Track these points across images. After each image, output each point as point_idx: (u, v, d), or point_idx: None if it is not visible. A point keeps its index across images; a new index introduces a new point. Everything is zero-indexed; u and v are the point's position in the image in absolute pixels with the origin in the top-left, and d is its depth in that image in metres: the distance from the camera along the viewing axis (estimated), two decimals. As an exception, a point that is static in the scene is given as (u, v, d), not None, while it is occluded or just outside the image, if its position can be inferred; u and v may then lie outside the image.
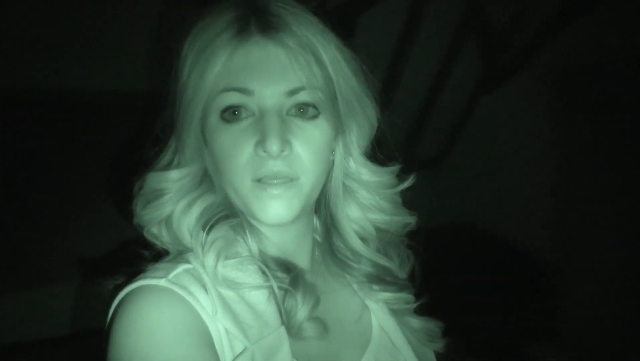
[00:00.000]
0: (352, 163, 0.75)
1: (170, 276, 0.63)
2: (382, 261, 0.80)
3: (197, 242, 0.66)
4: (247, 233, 0.70)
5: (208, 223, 0.68)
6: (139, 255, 0.72)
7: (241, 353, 0.61)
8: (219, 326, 0.62)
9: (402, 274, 0.83)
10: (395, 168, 0.78)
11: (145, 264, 0.67)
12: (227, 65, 0.65)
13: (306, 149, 0.67)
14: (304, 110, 0.67)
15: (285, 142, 0.64)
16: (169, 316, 0.59)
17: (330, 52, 0.68)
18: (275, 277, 0.67)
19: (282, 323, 0.65)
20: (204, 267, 0.65)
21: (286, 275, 0.69)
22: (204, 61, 0.65)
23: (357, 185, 0.77)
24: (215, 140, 0.67)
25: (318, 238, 0.83)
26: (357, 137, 0.74)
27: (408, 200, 0.80)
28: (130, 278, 0.64)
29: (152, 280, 0.62)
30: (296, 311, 0.66)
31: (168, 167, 0.71)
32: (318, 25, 0.68)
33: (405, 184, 0.78)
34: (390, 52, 2.43)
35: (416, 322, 0.82)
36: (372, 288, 0.81)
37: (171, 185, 0.70)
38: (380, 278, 0.81)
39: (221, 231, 0.68)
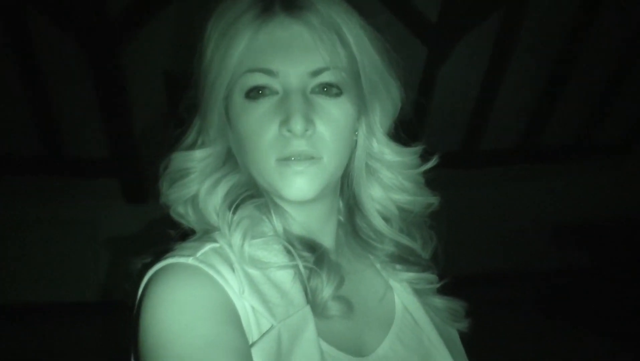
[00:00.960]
0: (375, 143, 0.74)
1: (198, 254, 0.63)
2: (405, 241, 0.79)
3: (224, 222, 0.66)
4: (272, 213, 0.70)
5: (234, 203, 0.68)
6: (166, 234, 0.72)
7: (268, 331, 0.61)
8: (245, 304, 0.62)
9: (425, 254, 0.82)
10: (418, 148, 0.76)
11: (173, 243, 0.67)
12: (251, 45, 0.64)
13: (329, 128, 0.66)
14: (328, 90, 0.66)
15: (309, 122, 0.64)
16: (197, 294, 0.59)
17: (354, 31, 0.66)
18: (300, 256, 0.67)
19: (308, 302, 0.65)
20: (230, 246, 0.65)
21: (311, 254, 0.68)
22: (227, 41, 0.65)
23: (380, 165, 0.75)
24: (239, 119, 0.67)
25: (341, 218, 0.82)
26: (381, 116, 0.73)
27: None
28: (158, 257, 0.64)
29: (180, 259, 0.62)
30: (321, 290, 0.66)
31: (193, 146, 0.71)
32: (342, 4, 0.67)
33: (429, 164, 0.77)
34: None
35: (439, 302, 0.81)
36: (395, 267, 0.80)
37: (196, 164, 0.70)
38: (403, 258, 0.80)
39: (247, 210, 0.68)
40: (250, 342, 0.60)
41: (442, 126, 3.53)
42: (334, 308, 0.66)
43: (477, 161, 3.81)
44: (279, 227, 0.69)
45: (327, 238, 0.75)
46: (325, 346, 0.65)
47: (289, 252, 0.67)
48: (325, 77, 0.66)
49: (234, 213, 0.67)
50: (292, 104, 0.63)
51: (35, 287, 3.63)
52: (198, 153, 0.70)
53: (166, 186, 0.71)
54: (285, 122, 0.63)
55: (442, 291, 0.83)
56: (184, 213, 0.71)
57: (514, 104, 3.52)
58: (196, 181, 0.69)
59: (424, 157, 0.76)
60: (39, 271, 3.61)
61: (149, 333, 0.58)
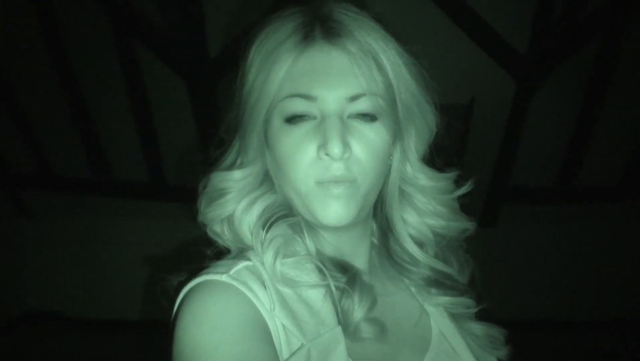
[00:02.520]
0: (409, 168, 0.74)
1: (232, 272, 0.64)
2: (440, 266, 0.77)
3: (257, 240, 0.67)
4: (305, 233, 0.70)
5: (268, 222, 0.68)
6: (202, 253, 0.73)
7: (298, 349, 0.61)
8: (276, 322, 0.62)
9: (462, 279, 0.80)
10: (452, 174, 0.76)
11: (208, 261, 0.69)
12: (292, 70, 0.66)
13: (365, 152, 0.67)
14: (364, 115, 0.67)
15: (346, 145, 0.65)
16: (230, 310, 0.60)
17: (391, 57, 0.67)
18: (332, 277, 0.66)
19: (339, 322, 0.64)
20: (263, 264, 0.65)
21: (342, 275, 0.68)
22: (269, 66, 0.66)
23: (414, 190, 0.75)
24: (278, 142, 0.68)
25: (375, 241, 0.81)
26: (416, 141, 0.73)
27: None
28: (194, 275, 0.66)
29: (214, 276, 0.63)
30: (353, 311, 0.65)
31: (231, 167, 0.72)
32: (380, 30, 0.68)
33: (462, 190, 0.76)
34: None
35: (477, 328, 0.79)
36: (431, 291, 0.78)
37: (234, 184, 0.71)
38: (439, 282, 0.78)
39: (280, 229, 0.69)
40: (281, 360, 0.60)
41: (533, 161, 3.40)
42: (366, 330, 0.65)
43: (573, 197, 3.59)
44: (311, 246, 0.69)
45: (359, 260, 0.75)
46: None
47: (320, 271, 0.66)
48: (362, 103, 0.67)
49: (267, 232, 0.67)
50: (329, 128, 0.64)
51: (78, 302, 3.87)
52: (236, 174, 0.71)
53: (204, 205, 0.72)
54: (323, 145, 0.65)
55: (480, 317, 0.80)
56: (220, 232, 0.72)
57: (612, 139, 3.30)
58: (233, 201, 0.71)
59: (458, 182, 0.75)
60: (84, 286, 3.83)
61: (183, 348, 0.59)
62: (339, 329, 0.63)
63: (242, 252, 0.69)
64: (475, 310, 0.80)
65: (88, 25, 2.97)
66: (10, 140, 3.56)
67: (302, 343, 0.61)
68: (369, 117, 0.67)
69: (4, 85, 3.26)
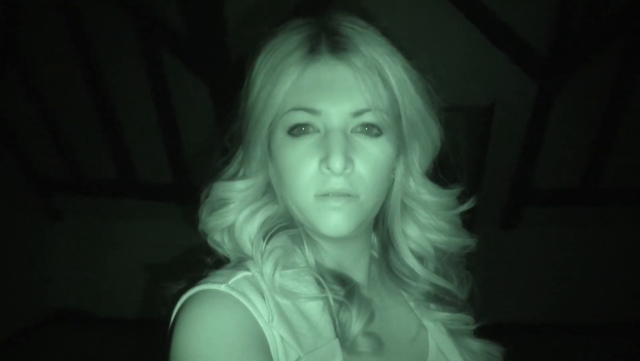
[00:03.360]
0: (412, 183, 0.73)
1: (230, 282, 0.64)
2: (440, 281, 0.76)
3: (257, 250, 0.67)
4: (305, 245, 0.69)
5: (268, 233, 0.68)
6: (202, 261, 0.73)
7: None
8: (274, 333, 0.62)
9: (462, 295, 0.78)
10: (456, 190, 0.75)
11: (207, 270, 0.69)
12: (297, 83, 0.66)
13: (367, 167, 0.66)
14: (368, 130, 0.67)
15: (349, 160, 0.64)
16: (227, 321, 0.60)
17: (397, 72, 0.67)
18: (330, 289, 0.66)
19: (337, 335, 0.63)
20: (262, 275, 0.65)
21: (341, 287, 0.67)
22: (274, 78, 0.66)
23: (416, 205, 0.74)
24: (281, 154, 0.67)
25: (375, 254, 0.80)
26: (420, 157, 0.72)
27: None
28: (192, 283, 0.65)
29: (212, 285, 0.63)
30: (350, 325, 0.64)
31: (234, 177, 0.72)
32: (386, 45, 0.67)
33: (465, 206, 0.75)
34: None
35: (475, 345, 0.78)
36: (430, 307, 0.77)
37: (236, 194, 0.71)
38: (438, 297, 0.77)
39: (280, 241, 0.68)
40: None
41: (556, 162, 3.36)
42: (364, 344, 0.64)
43: (596, 199, 3.54)
44: (311, 259, 0.69)
45: (359, 273, 0.74)
46: None
47: (319, 283, 0.66)
48: (367, 118, 0.66)
49: (267, 242, 0.67)
50: (332, 143, 0.64)
51: (105, 302, 3.94)
52: (239, 184, 0.71)
53: (205, 214, 0.72)
54: (325, 159, 0.64)
55: (479, 333, 0.78)
56: (220, 241, 0.72)
57: (637, 140, 3.24)
58: (235, 211, 0.70)
59: (462, 198, 0.74)
60: (112, 286, 3.89)
61: (179, 357, 0.59)
62: (336, 342, 0.63)
63: (242, 262, 0.69)
64: (474, 326, 0.79)
65: (114, 32, 3.02)
66: (40, 145, 3.65)
67: (299, 356, 0.61)
68: (373, 132, 0.67)
69: (35, 92, 3.35)
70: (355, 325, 0.64)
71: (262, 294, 0.64)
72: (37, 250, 3.94)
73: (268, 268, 0.65)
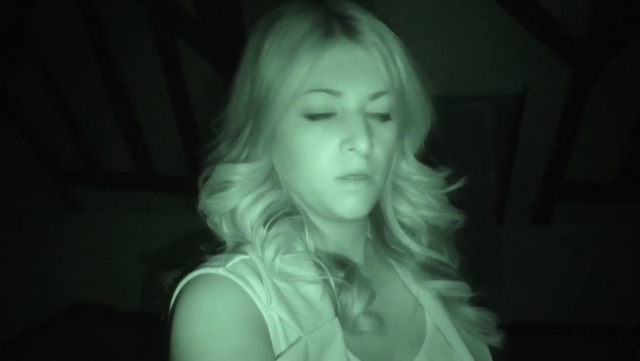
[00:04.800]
0: (404, 165, 0.78)
1: (228, 265, 0.65)
2: (433, 253, 0.80)
3: (257, 236, 0.68)
4: (306, 231, 0.70)
5: (270, 219, 0.69)
6: (196, 250, 0.74)
7: (295, 342, 0.62)
8: (273, 315, 0.63)
9: (454, 266, 0.83)
10: (445, 173, 0.79)
11: (204, 256, 0.70)
12: (316, 66, 0.66)
13: (382, 150, 0.69)
14: (381, 114, 0.70)
15: (371, 143, 0.66)
16: (226, 304, 0.61)
17: (403, 58, 0.70)
18: (330, 272, 0.67)
19: (337, 315, 0.65)
20: (262, 259, 0.66)
21: (341, 269, 0.69)
22: (291, 60, 0.66)
23: (407, 184, 0.79)
24: (294, 138, 0.68)
25: (370, 235, 0.84)
26: (414, 139, 0.77)
27: None
28: (190, 269, 0.66)
29: (210, 269, 0.64)
30: (352, 306, 0.66)
31: (236, 160, 0.72)
32: (390, 31, 0.70)
33: (454, 186, 0.79)
34: None
35: (471, 312, 0.82)
36: (426, 277, 0.81)
37: (239, 178, 0.71)
38: (432, 267, 0.81)
39: (282, 227, 0.69)
40: (278, 352, 0.61)
41: (591, 155, 3.18)
42: (365, 323, 0.66)
43: (633, 194, 3.35)
44: (311, 244, 0.70)
45: (357, 255, 0.77)
46: (354, 359, 0.65)
47: (319, 267, 0.67)
48: (382, 101, 0.69)
49: (269, 229, 0.68)
50: (357, 124, 0.66)
51: (124, 295, 3.94)
52: (243, 167, 0.71)
53: (205, 196, 0.73)
54: (348, 140, 0.66)
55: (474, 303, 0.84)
56: (219, 224, 0.73)
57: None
58: (237, 195, 0.71)
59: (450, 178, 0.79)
60: (130, 279, 3.87)
61: (179, 342, 0.60)
62: (336, 321, 0.64)
63: (239, 246, 0.70)
64: (470, 294, 0.83)
65: (129, 21, 3.03)
66: (58, 137, 3.69)
67: (300, 336, 0.62)
68: (384, 115, 0.70)
69: (52, 84, 3.39)
70: (356, 306, 0.66)
71: (260, 277, 0.65)
72: (55, 243, 4.02)
73: (270, 253, 0.66)
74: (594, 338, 3.43)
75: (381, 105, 0.69)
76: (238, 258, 0.67)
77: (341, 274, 0.68)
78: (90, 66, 3.25)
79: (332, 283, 0.66)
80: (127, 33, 3.08)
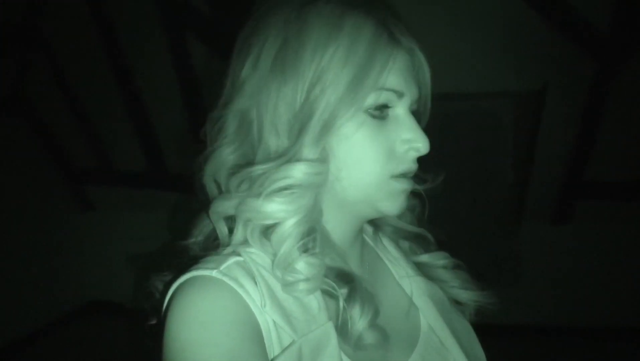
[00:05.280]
0: None
1: (222, 267, 0.64)
2: (408, 227, 0.88)
3: (288, 257, 0.66)
4: (318, 245, 0.69)
5: (304, 239, 0.67)
6: (188, 249, 0.74)
7: (289, 346, 0.61)
8: (267, 318, 0.62)
9: (417, 225, 0.89)
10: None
11: (196, 257, 0.69)
12: (386, 65, 0.67)
13: None
14: (420, 117, 0.76)
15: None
16: (219, 307, 0.61)
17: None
18: (334, 289, 0.67)
19: (336, 329, 0.64)
20: (253, 260, 0.66)
21: (344, 285, 0.68)
22: (368, 60, 0.66)
23: None
24: (359, 135, 0.68)
25: (366, 238, 0.87)
26: None
27: None
28: (183, 270, 0.66)
29: (204, 271, 0.64)
30: (356, 322, 0.65)
31: (289, 160, 0.67)
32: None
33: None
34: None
35: (464, 294, 0.85)
36: (412, 249, 0.89)
37: (300, 179, 0.66)
38: (402, 232, 0.88)
39: (316, 259, 0.67)
40: (272, 356, 0.61)
41: (613, 153, 3.10)
42: (370, 337, 0.65)
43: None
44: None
45: (355, 253, 0.79)
46: None
47: (328, 285, 0.67)
48: (428, 104, 0.76)
49: (304, 253, 0.66)
50: (415, 126, 0.71)
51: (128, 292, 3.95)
52: (305, 167, 0.66)
53: (237, 200, 0.69)
54: (412, 141, 0.70)
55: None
56: (225, 227, 0.71)
57: None
58: (304, 197, 0.67)
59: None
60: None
61: (172, 345, 0.60)
62: (330, 324, 0.64)
63: (233, 247, 0.69)
64: (452, 261, 0.88)
65: (140, 20, 3.05)
66: (72, 136, 3.71)
67: (294, 340, 0.61)
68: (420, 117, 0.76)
69: (66, 86, 3.41)
70: (361, 322, 0.65)
71: (254, 279, 0.64)
72: (69, 241, 4.05)
73: (296, 276, 0.66)
74: (616, 342, 3.36)
75: (414, 109, 0.74)
76: (232, 260, 0.66)
77: (344, 290, 0.67)
78: (102, 65, 3.25)
79: (342, 301, 0.66)
80: (138, 32, 3.08)
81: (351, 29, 0.66)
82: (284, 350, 0.61)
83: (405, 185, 0.71)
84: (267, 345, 0.62)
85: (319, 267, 0.66)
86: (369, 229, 0.89)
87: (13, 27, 3.09)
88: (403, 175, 0.71)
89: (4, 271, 3.46)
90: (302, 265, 0.65)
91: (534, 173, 3.27)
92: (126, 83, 3.29)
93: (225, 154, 0.71)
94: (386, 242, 0.88)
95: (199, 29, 2.96)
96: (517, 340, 3.44)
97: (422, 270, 0.87)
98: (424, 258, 0.88)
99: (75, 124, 3.61)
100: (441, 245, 0.90)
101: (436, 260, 0.88)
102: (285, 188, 0.66)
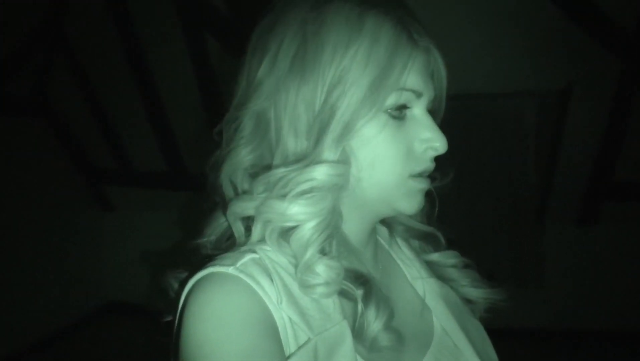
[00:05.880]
0: None
1: (238, 264, 0.64)
2: (417, 225, 0.87)
3: (309, 261, 0.66)
4: (334, 247, 0.69)
5: (325, 242, 0.67)
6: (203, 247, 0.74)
7: (305, 343, 0.61)
8: (283, 315, 0.63)
9: (429, 223, 0.88)
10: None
11: (209, 256, 0.69)
12: (406, 65, 0.67)
13: None
14: (435, 115, 0.75)
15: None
16: (236, 304, 0.61)
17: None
18: (350, 290, 0.67)
19: (352, 331, 0.64)
20: (270, 257, 0.66)
21: (360, 287, 0.68)
22: (389, 61, 0.66)
23: None
24: (380, 135, 0.68)
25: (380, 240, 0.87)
26: None
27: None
28: (199, 267, 0.65)
29: (220, 268, 0.64)
30: (371, 323, 0.65)
31: (312, 163, 0.67)
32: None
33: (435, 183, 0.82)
34: None
35: (474, 292, 0.85)
36: (424, 249, 0.89)
37: (321, 184, 0.66)
38: (413, 231, 0.88)
39: (336, 262, 0.68)
40: (287, 353, 0.61)
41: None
42: (385, 339, 0.65)
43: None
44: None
45: (369, 252, 0.79)
46: None
47: (346, 287, 0.67)
48: (443, 105, 0.76)
49: (325, 256, 0.66)
50: (433, 126, 0.71)
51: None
52: (331, 169, 0.66)
53: (262, 201, 0.68)
54: (430, 140, 0.70)
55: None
56: (242, 228, 0.71)
57: None
58: (325, 199, 0.67)
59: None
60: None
61: (188, 343, 0.60)
62: (345, 323, 0.64)
63: (249, 244, 0.69)
64: (462, 259, 0.89)
65: (160, 21, 3.09)
66: (93, 137, 3.76)
67: (309, 338, 0.62)
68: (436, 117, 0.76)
69: (86, 87, 3.46)
70: (376, 324, 0.65)
71: (270, 276, 0.64)
72: (89, 241, 4.11)
73: (318, 279, 0.66)
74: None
75: (441, 108, 0.76)
76: (248, 257, 0.66)
77: (360, 291, 0.67)
78: (122, 67, 3.30)
79: (360, 305, 0.66)
80: (158, 32, 3.11)
81: (372, 29, 0.66)
82: (299, 347, 0.61)
83: (422, 185, 0.71)
84: (283, 342, 0.62)
85: (338, 270, 0.66)
86: (383, 230, 0.88)
87: (36, 29, 3.14)
88: (420, 175, 0.71)
89: (24, 272, 3.52)
90: (322, 268, 0.65)
91: (558, 173, 3.23)
92: (145, 84, 3.33)
93: (242, 155, 0.71)
94: (400, 243, 0.88)
95: (218, 28, 2.98)
96: (539, 343, 3.39)
97: (432, 268, 0.87)
98: (434, 257, 0.88)
99: (95, 125, 3.66)
100: (451, 244, 0.90)
101: (446, 258, 0.89)
102: (308, 190, 0.65)
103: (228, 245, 0.73)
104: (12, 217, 3.41)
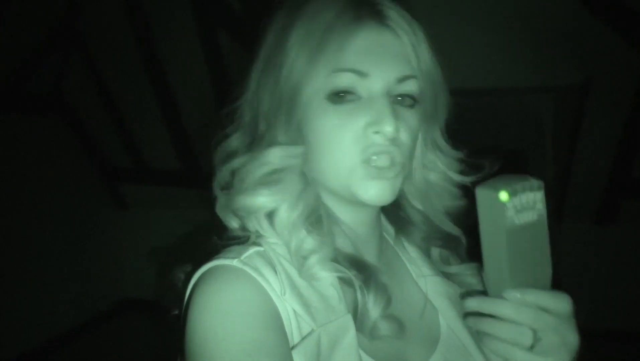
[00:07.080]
0: (430, 154, 0.80)
1: (242, 257, 0.66)
2: (448, 227, 0.84)
3: (296, 239, 0.69)
4: (325, 227, 0.71)
5: (308, 220, 0.70)
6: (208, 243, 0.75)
7: (308, 334, 0.63)
8: (287, 307, 0.64)
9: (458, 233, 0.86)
10: (461, 155, 0.80)
11: (217, 247, 0.71)
12: (345, 48, 0.68)
13: (408, 136, 0.71)
14: (406, 100, 0.71)
15: (397, 127, 0.67)
16: (241, 297, 0.62)
17: (428, 44, 0.72)
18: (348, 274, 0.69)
19: (354, 318, 0.66)
20: (274, 250, 0.68)
21: (359, 273, 0.69)
22: (322, 43, 0.67)
23: (429, 171, 0.82)
24: (321, 120, 0.69)
25: (386, 236, 0.86)
26: (435, 125, 0.79)
27: None
28: (204, 260, 0.68)
29: (225, 261, 0.66)
30: (369, 310, 0.66)
31: (268, 146, 0.72)
32: (414, 19, 0.72)
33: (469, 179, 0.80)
34: None
35: (473, 280, 0.84)
36: (442, 258, 0.87)
37: (294, 162, 0.71)
38: (436, 238, 0.85)
39: (321, 235, 0.70)
40: (291, 345, 0.62)
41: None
42: (385, 328, 0.66)
43: None
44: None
45: (372, 249, 0.78)
46: (365, 357, 0.66)
47: (341, 272, 0.69)
48: (409, 85, 0.71)
49: (309, 233, 0.69)
50: (382, 106, 0.68)
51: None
52: (294, 149, 0.70)
53: (241, 191, 0.72)
54: (374, 123, 0.68)
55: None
56: (244, 219, 0.73)
57: None
58: (288, 181, 0.70)
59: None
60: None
61: (195, 336, 0.62)
62: (349, 316, 0.65)
63: (252, 237, 0.71)
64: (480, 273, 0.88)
65: (174, 20, 3.11)
66: (108, 135, 3.81)
67: (313, 328, 0.63)
68: (409, 100, 0.72)
69: (102, 85, 3.50)
70: (374, 311, 0.66)
71: (274, 268, 0.66)
72: (104, 239, 4.15)
73: (311, 261, 0.67)
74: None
75: (408, 89, 0.71)
76: (252, 249, 0.68)
77: (359, 277, 0.69)
78: (137, 66, 3.33)
79: (357, 288, 0.67)
80: (172, 31, 3.14)
81: (312, 11, 0.70)
82: (303, 338, 0.63)
83: (377, 171, 0.68)
84: (287, 333, 0.63)
85: (327, 238, 0.69)
86: (391, 229, 0.89)
87: (53, 27, 3.18)
88: (373, 157, 0.68)
89: (40, 270, 3.57)
90: (310, 241, 0.68)
91: (575, 170, 3.20)
92: (160, 82, 3.36)
93: (232, 142, 0.78)
94: (406, 243, 0.88)
95: (231, 26, 3.00)
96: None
97: (450, 278, 0.86)
98: (454, 269, 0.87)
99: (111, 123, 3.71)
100: (472, 252, 0.87)
101: (465, 271, 0.87)
102: (267, 175, 0.69)
103: (237, 238, 0.75)
104: (28, 214, 3.46)
